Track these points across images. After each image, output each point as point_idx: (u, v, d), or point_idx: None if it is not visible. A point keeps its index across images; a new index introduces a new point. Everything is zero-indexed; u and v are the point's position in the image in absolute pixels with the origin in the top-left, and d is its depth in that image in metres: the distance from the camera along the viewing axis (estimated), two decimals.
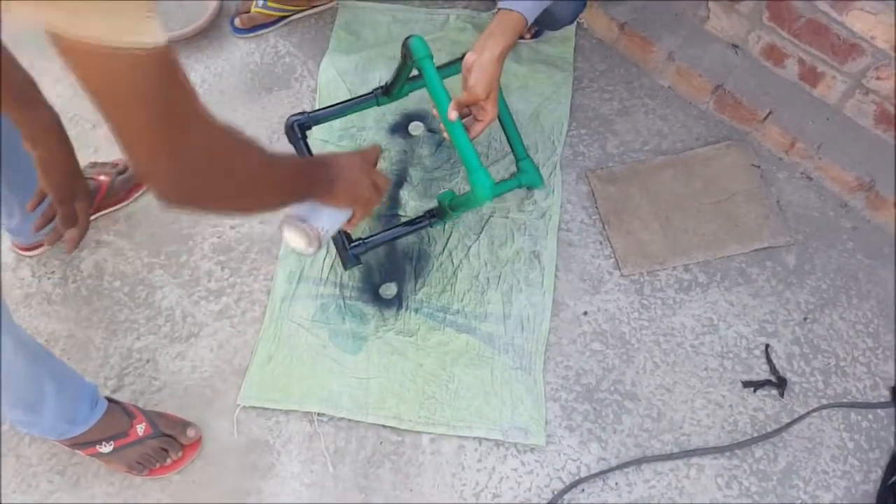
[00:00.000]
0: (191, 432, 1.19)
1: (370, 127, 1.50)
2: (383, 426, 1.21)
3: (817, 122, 1.42)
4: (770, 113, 1.44)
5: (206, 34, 1.62)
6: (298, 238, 0.97)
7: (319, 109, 1.33)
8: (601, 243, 1.38)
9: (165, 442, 1.17)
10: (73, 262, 1.35)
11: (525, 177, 1.29)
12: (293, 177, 0.86)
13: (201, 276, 1.35)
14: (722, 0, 1.46)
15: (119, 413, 1.15)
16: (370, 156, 1.03)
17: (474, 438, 1.20)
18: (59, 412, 1.06)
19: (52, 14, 0.53)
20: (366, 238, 1.26)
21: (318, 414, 1.22)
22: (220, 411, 1.23)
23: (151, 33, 0.57)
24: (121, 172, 1.39)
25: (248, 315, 1.32)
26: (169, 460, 1.18)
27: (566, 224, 1.40)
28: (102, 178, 1.37)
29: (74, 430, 1.10)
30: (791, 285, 1.32)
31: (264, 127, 1.51)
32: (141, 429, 1.16)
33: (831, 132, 1.41)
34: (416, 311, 1.30)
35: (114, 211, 1.40)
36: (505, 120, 1.30)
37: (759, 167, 1.45)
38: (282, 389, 1.24)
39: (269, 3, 1.60)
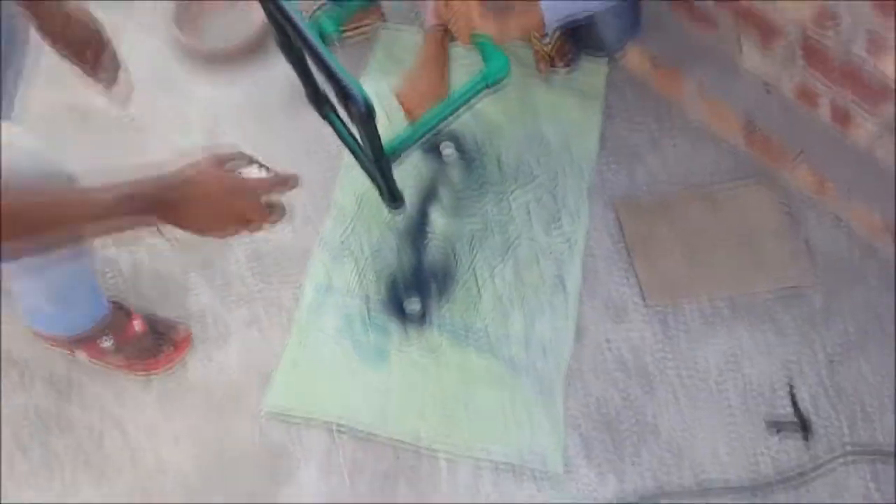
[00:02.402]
0: (182, 329, 1.21)
1: None
2: (402, 442, 1.14)
3: (848, 164, 1.33)
4: (801, 153, 1.36)
5: (253, 47, 1.58)
6: None
7: None
8: (626, 272, 1.30)
9: (160, 338, 1.20)
10: (112, 259, 1.31)
11: (490, 65, 1.05)
12: (100, 214, 0.70)
13: (233, 282, 1.30)
14: (755, 39, 1.39)
15: (118, 310, 1.16)
16: (222, 157, 0.78)
17: (491, 461, 1.12)
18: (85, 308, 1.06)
19: None
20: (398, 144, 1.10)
21: (338, 425, 1.16)
22: (244, 415, 1.18)
23: None
24: None
25: (276, 323, 1.26)
26: (162, 355, 1.20)
27: (591, 251, 1.33)
28: None
29: (82, 324, 1.10)
30: (817, 326, 1.23)
31: (300, 139, 1.47)
32: (138, 325, 1.18)
33: (861, 175, 1.32)
34: (440, 327, 1.23)
35: None
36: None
37: (788, 206, 1.36)
38: (305, 395, 1.18)
39: None
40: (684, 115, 1.50)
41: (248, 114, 1.52)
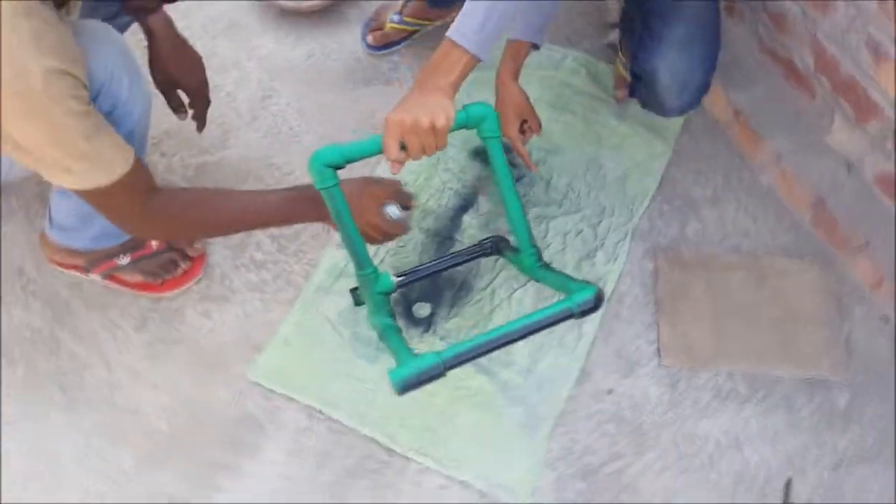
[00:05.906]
0: (197, 245, 1.46)
1: (455, 145, 1.63)
2: (376, 442, 1.32)
3: None
4: (866, 243, 1.48)
5: (327, 12, 1.78)
6: None
7: None
8: (649, 326, 1.46)
9: (176, 254, 1.43)
10: None
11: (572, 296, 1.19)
12: (273, 214, 1.19)
13: (250, 245, 1.51)
14: (849, 114, 1.51)
15: None
16: (378, 191, 1.20)
17: (460, 481, 1.29)
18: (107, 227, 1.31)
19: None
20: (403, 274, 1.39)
21: (319, 410, 1.34)
22: (225, 380, 1.38)
23: (107, 175, 0.97)
24: None
25: (281, 295, 1.46)
26: (179, 271, 1.43)
27: (619, 296, 1.48)
28: None
29: (110, 242, 1.36)
30: (833, 426, 1.35)
31: (352, 117, 1.66)
32: (155, 243, 1.41)
33: None
34: (442, 339, 1.41)
35: None
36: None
37: (837, 295, 1.49)
38: (291, 375, 1.37)
39: (406, 18, 1.73)
40: (755, 177, 1.64)
41: (304, 78, 1.74)
